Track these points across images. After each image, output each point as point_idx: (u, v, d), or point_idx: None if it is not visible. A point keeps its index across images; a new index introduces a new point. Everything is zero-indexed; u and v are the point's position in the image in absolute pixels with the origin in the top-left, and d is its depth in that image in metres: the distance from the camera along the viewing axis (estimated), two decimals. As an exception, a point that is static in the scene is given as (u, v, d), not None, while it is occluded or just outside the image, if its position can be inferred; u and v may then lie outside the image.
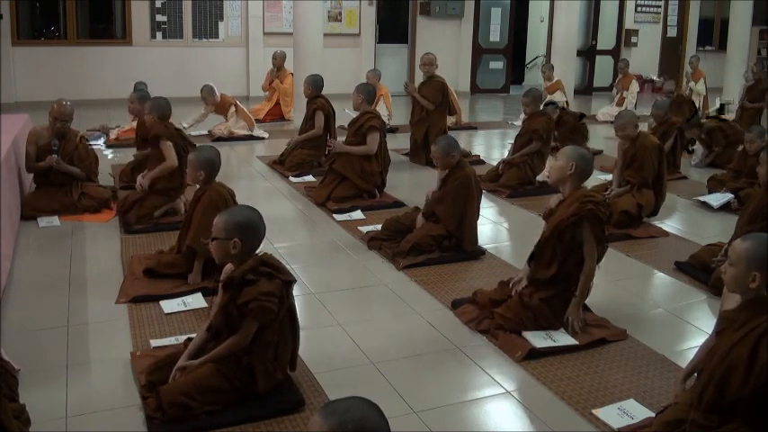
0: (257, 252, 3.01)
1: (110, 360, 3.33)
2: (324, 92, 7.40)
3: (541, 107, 7.23)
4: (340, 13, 12.96)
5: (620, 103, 11.40)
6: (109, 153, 7.82)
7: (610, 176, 6.43)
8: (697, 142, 8.30)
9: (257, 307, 2.84)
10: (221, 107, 8.75)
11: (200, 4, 12.04)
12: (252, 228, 2.95)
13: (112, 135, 8.45)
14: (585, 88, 15.06)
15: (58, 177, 5.58)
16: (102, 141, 8.30)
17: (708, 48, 16.45)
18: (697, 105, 11.62)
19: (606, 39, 15.44)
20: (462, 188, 4.70)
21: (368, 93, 6.31)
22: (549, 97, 10.09)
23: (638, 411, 2.96)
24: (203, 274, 4.16)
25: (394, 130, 9.12)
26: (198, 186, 4.22)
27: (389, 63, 13.53)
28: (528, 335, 3.54)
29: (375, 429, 1.57)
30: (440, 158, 4.72)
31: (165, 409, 2.75)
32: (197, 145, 4.85)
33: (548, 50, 14.41)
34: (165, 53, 11.85)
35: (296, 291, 3.33)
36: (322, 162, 7.00)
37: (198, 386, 2.81)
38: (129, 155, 6.86)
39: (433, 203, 4.78)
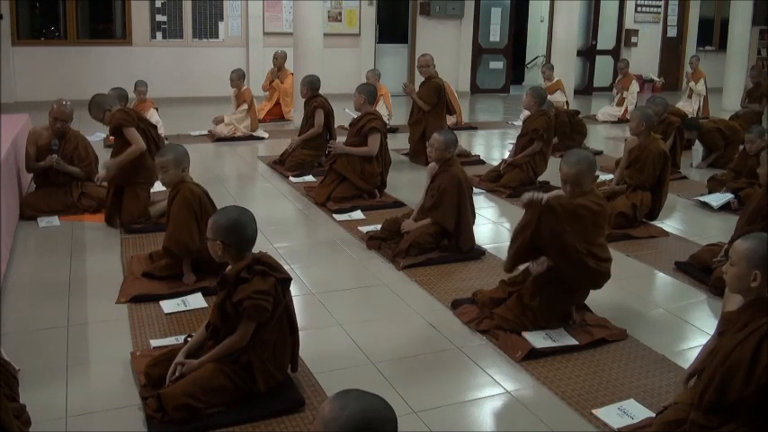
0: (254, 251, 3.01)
1: (110, 360, 3.33)
2: (324, 92, 7.41)
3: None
4: (340, 13, 12.96)
5: (620, 104, 11.41)
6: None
7: (610, 176, 6.43)
8: (696, 141, 8.28)
9: (251, 305, 2.84)
10: (241, 97, 8.83)
11: (200, 4, 12.05)
12: (235, 230, 2.93)
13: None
14: (585, 88, 15.05)
15: (57, 177, 5.58)
16: (100, 139, 8.30)
17: (708, 48, 16.45)
18: (698, 106, 11.63)
19: (606, 39, 15.44)
20: (453, 188, 4.69)
21: (369, 93, 6.31)
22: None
23: (638, 411, 2.96)
24: (201, 272, 4.17)
25: (394, 130, 9.13)
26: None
27: (389, 63, 13.53)
28: (528, 335, 3.54)
29: (370, 423, 1.57)
30: (438, 149, 4.72)
31: (170, 413, 2.74)
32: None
33: (548, 50, 14.41)
34: (165, 53, 11.86)
35: (296, 291, 3.33)
36: (322, 162, 7.00)
37: (201, 387, 2.81)
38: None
39: (429, 211, 4.77)
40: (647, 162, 5.53)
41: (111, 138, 8.20)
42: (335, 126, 7.48)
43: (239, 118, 8.89)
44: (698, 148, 8.25)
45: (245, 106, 8.88)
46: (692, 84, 11.88)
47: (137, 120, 5.41)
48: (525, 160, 6.70)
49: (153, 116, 7.95)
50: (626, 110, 11.25)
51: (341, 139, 6.78)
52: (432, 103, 7.67)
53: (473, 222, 4.87)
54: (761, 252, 2.47)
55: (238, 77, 8.84)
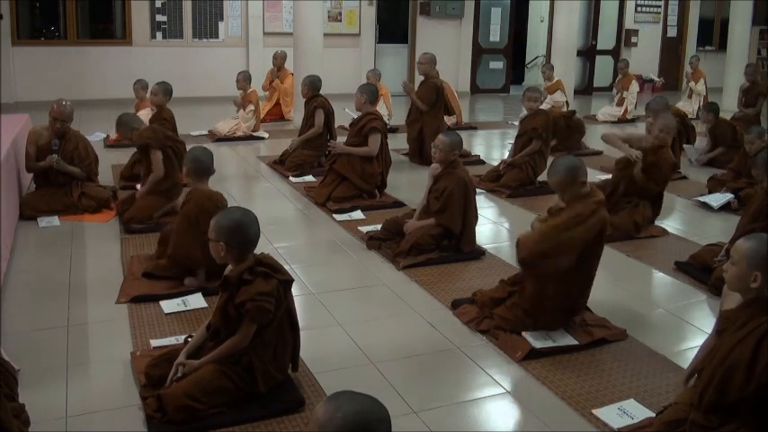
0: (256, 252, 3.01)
1: (110, 360, 3.33)
2: (324, 92, 7.40)
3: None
4: (340, 13, 12.95)
5: (620, 104, 11.39)
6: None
7: (610, 176, 6.41)
8: (697, 138, 8.28)
9: (254, 307, 2.84)
10: (247, 98, 8.85)
11: (200, 4, 12.04)
12: (238, 232, 2.92)
13: (113, 135, 8.45)
14: (585, 88, 15.05)
15: (57, 177, 5.58)
16: (100, 139, 8.31)
17: (708, 48, 16.44)
18: (698, 106, 11.64)
19: (606, 39, 15.43)
20: (459, 191, 4.69)
21: (370, 93, 6.30)
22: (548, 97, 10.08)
23: (638, 411, 2.96)
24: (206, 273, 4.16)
25: (394, 130, 9.13)
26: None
27: (389, 63, 13.53)
28: (528, 335, 3.53)
29: (365, 423, 1.58)
30: (442, 150, 4.70)
31: (171, 413, 2.74)
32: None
33: (548, 50, 14.41)
34: (165, 53, 11.85)
35: (296, 291, 3.33)
36: (322, 162, 7.00)
37: (202, 388, 2.81)
38: (128, 155, 6.84)
39: (435, 215, 4.76)
40: (663, 169, 5.41)
41: (113, 139, 8.29)
42: (336, 126, 7.48)
43: (246, 119, 8.91)
44: (697, 147, 8.25)
45: (251, 107, 8.90)
46: (691, 84, 11.88)
47: (163, 138, 5.42)
48: (524, 160, 6.69)
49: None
50: (626, 110, 11.25)
51: (341, 139, 6.78)
52: (430, 103, 7.67)
53: (475, 224, 4.87)
54: (762, 253, 2.47)
55: (244, 79, 8.84)
